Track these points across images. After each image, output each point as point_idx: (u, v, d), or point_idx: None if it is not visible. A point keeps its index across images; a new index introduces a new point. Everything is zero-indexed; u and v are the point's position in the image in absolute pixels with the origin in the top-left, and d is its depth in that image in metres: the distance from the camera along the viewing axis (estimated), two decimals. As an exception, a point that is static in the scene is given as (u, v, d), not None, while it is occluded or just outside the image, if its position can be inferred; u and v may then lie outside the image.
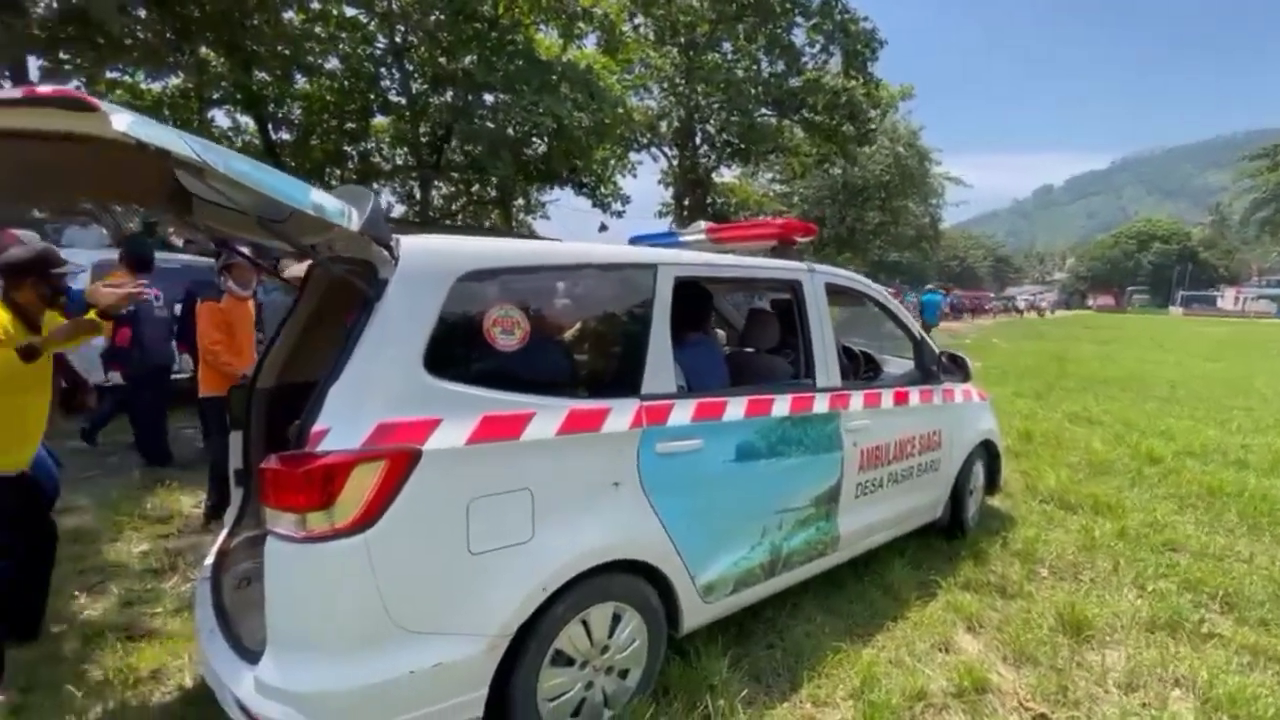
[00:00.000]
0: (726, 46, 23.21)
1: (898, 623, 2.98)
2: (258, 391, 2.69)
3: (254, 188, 1.55)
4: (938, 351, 3.64)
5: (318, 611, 1.68)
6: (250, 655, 1.82)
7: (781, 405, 2.67)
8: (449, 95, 15.83)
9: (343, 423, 1.68)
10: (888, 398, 3.23)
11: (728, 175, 29.52)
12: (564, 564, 1.99)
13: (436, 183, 18.11)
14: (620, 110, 16.41)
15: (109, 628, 2.78)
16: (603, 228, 18.45)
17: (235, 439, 2.68)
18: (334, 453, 1.64)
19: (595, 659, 2.15)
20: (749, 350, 3.23)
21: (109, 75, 12.74)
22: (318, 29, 13.89)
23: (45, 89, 1.33)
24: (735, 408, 2.52)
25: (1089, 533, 4.06)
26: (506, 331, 1.96)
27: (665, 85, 24.46)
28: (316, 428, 1.67)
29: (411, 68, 15.81)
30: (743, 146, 24.05)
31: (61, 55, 11.45)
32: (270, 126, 15.07)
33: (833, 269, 3.12)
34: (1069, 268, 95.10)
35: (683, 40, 22.93)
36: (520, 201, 21.69)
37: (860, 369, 3.81)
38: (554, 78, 14.44)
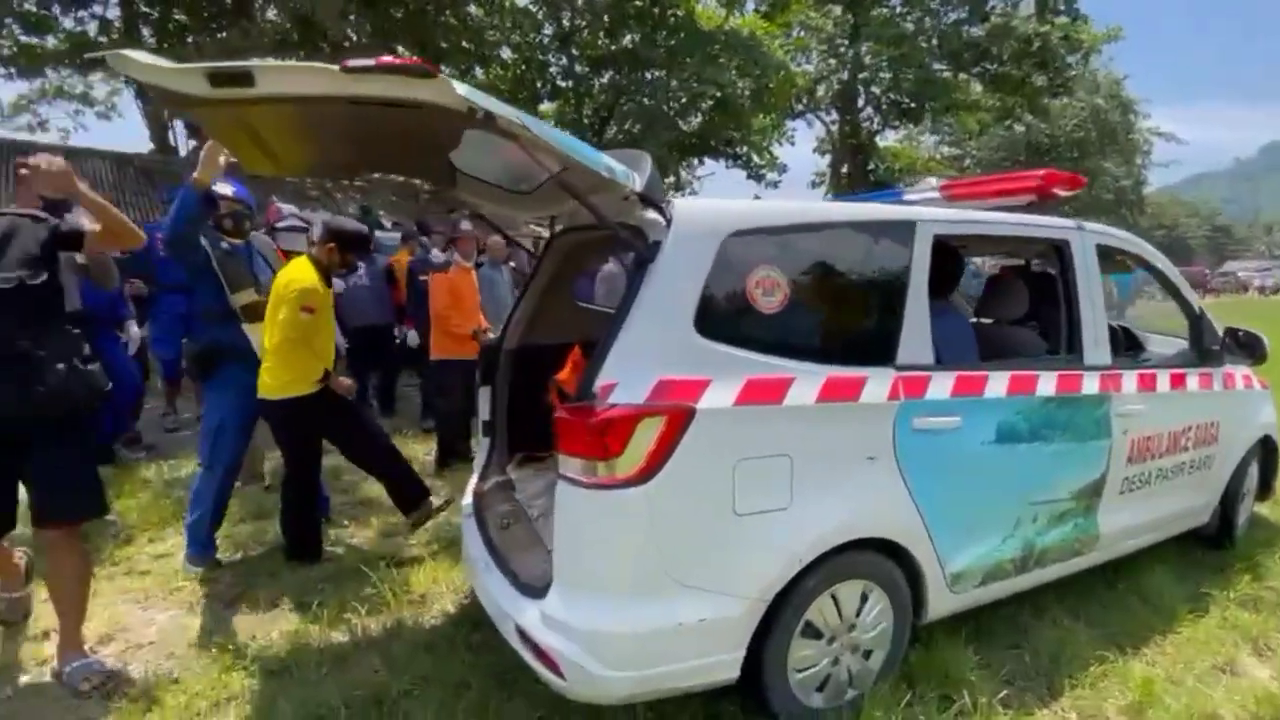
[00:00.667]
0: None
1: (1167, 637, 2.59)
2: (503, 352, 2.90)
3: (563, 150, 1.61)
4: (1221, 330, 3.08)
5: (601, 554, 1.76)
6: (529, 589, 1.96)
7: (1047, 384, 2.39)
8: (610, 76, 16.13)
9: (628, 378, 1.73)
10: (1163, 380, 2.79)
11: (890, 139, 27.42)
12: (819, 535, 1.93)
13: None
14: (783, 74, 15.76)
15: (376, 555, 3.18)
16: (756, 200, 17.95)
17: (484, 394, 2.91)
18: (622, 406, 1.69)
19: (842, 635, 2.07)
20: (989, 321, 2.93)
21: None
22: (494, 21, 14.73)
23: (394, 59, 1.45)
24: (997, 384, 2.28)
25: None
26: (767, 293, 1.91)
27: (825, 46, 23.08)
28: (605, 381, 1.72)
29: (576, 52, 16.27)
30: (913, 106, 22.17)
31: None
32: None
33: (1105, 228, 2.71)
34: (1312, 239, 77.71)
35: (847, -3, 21.47)
36: (671, 179, 21.76)
37: (1120, 345, 3.33)
38: (716, 47, 14.15)
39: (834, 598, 2.03)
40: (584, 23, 15.83)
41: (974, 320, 3.03)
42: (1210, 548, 3.32)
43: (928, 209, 2.27)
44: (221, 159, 2.79)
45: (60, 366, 2.09)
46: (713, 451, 1.78)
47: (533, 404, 3.09)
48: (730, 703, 2.07)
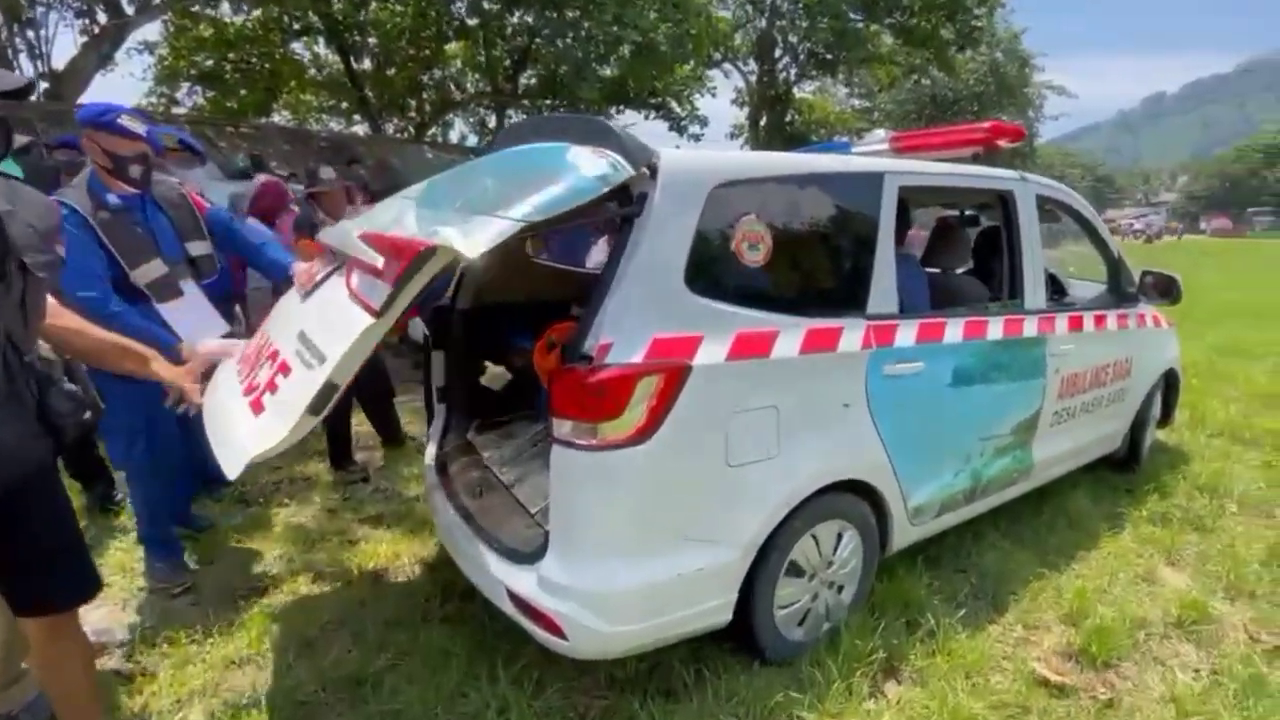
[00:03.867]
0: (813, -55, 21.29)
1: (1092, 553, 2.90)
2: (456, 312, 2.77)
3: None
4: (1138, 274, 3.37)
5: (602, 515, 1.75)
6: (518, 555, 1.93)
7: (995, 328, 2.54)
8: (520, 16, 15.19)
9: (622, 337, 1.69)
10: (1089, 321, 3.03)
11: (807, 91, 27.73)
12: (805, 481, 2.00)
13: (510, 111, 17.73)
14: (705, 19, 15.45)
15: (322, 534, 3.04)
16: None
17: (438, 358, 2.78)
18: (621, 365, 1.66)
19: (821, 572, 2.18)
20: (934, 270, 3.06)
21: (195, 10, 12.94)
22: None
23: None
24: (954, 330, 2.40)
25: (1274, 468, 3.80)
26: (753, 246, 1.90)
27: (743, -8, 22.77)
28: (602, 341, 1.68)
29: (483, -13, 15.14)
30: (829, 57, 22.42)
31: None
32: (352, 57, 15.00)
33: (1045, 179, 2.87)
34: (1180, 186, 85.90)
35: (765, -60, 21.18)
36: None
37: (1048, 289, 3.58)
38: (635, -12, 13.59)
39: (814, 538, 2.13)
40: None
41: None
42: (1120, 471, 3.71)
43: (894, 161, 2.31)
44: None
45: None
46: (707, 406, 1.79)
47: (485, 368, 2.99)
48: (714, 645, 2.15)
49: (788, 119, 25.98)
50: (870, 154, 3.14)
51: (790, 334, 1.95)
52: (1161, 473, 3.68)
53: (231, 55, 14.78)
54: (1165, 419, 4.03)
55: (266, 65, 14.91)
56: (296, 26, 14.74)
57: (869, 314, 2.16)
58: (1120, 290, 3.34)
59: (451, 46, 16.67)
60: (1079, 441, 3.17)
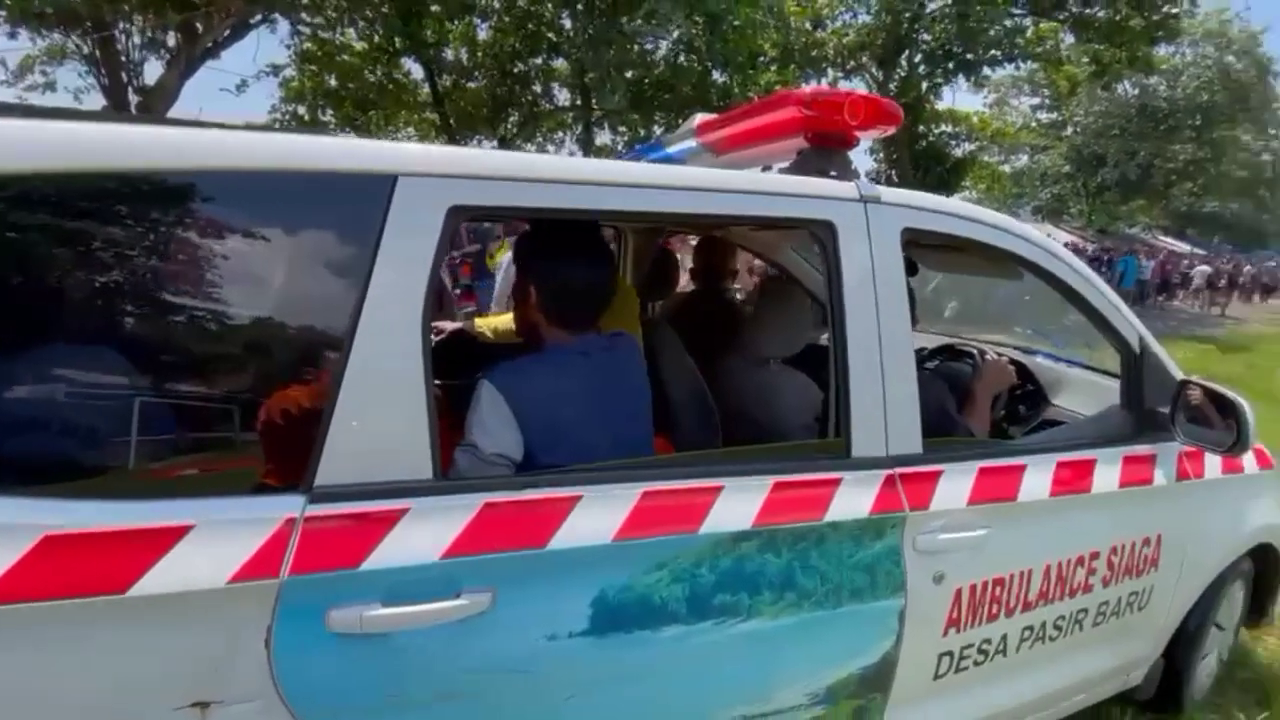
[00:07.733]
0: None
1: None
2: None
3: None
4: (1178, 378, 1.75)
5: None
6: None
7: (734, 508, 1.21)
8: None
9: None
10: (1037, 478, 1.53)
11: (965, 100, 24.53)
12: None
13: (599, 127, 16.97)
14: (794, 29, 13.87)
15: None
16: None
17: None
18: None
19: None
20: (753, 360, 1.72)
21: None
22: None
23: None
24: (591, 517, 1.13)
25: None
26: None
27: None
28: None
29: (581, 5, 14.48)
30: (968, 57, 19.46)
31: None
32: (435, 74, 15.20)
33: (927, 199, 1.45)
34: None
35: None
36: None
37: (998, 401, 2.04)
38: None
39: None
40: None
41: (739, 357, 1.82)
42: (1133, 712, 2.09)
43: (434, 151, 1.09)
44: None
45: None
46: None
47: None
48: None
49: (921, 131, 22.82)
50: (682, 155, 1.92)
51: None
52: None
53: (351, 82, 15.53)
54: (1260, 616, 2.30)
55: (388, 85, 15.49)
56: (392, 48, 15.14)
57: (316, 487, 0.99)
58: (1141, 408, 1.74)
59: (559, 63, 16.27)
60: (1030, 690, 1.66)
